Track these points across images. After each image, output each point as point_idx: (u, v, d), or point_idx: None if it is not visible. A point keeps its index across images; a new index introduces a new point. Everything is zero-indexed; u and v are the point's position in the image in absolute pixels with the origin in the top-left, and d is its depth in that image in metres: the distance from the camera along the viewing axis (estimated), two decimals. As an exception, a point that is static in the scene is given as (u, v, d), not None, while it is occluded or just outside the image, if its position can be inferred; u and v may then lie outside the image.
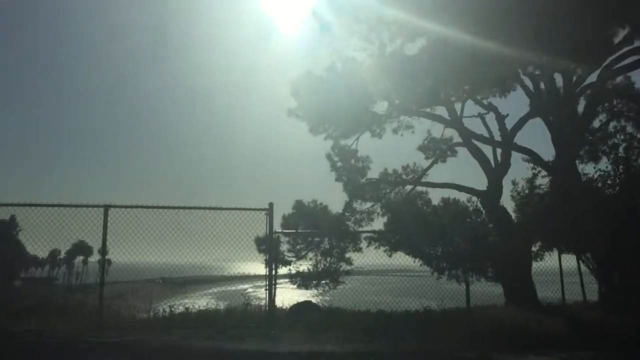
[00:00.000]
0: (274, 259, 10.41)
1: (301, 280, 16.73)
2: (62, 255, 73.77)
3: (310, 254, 17.03)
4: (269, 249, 10.85)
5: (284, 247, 17.35)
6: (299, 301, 12.90)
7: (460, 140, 16.55)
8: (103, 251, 9.21)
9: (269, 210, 10.08)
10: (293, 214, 16.49)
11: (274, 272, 10.47)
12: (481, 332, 10.05)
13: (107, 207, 9.39)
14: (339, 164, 16.81)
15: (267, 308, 10.01)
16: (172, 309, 10.34)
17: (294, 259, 17.10)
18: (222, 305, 12.57)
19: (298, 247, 16.91)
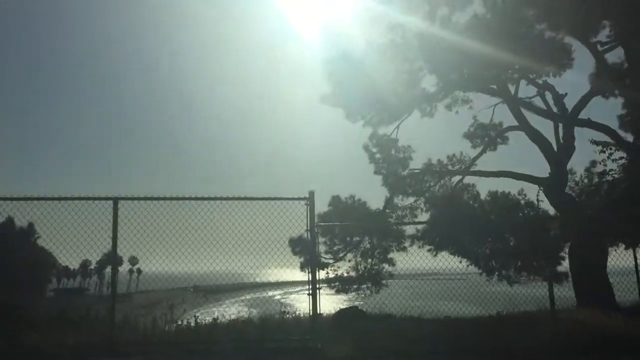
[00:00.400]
0: (315, 259, 8.56)
1: (340, 284, 14.93)
2: (93, 265, 73.10)
3: (349, 256, 15.25)
4: (311, 246, 8.97)
5: (321, 248, 15.57)
6: (343, 307, 11.05)
7: (511, 124, 14.58)
8: (114, 252, 7.51)
9: (310, 200, 8.26)
10: (329, 211, 14.67)
11: (316, 273, 8.58)
12: (570, 339, 8.14)
13: (116, 200, 7.70)
14: (378, 155, 14.93)
15: (310, 316, 8.13)
16: (198, 320, 8.54)
17: (331, 261, 15.34)
18: (254, 313, 10.80)
19: (336, 248, 15.12)
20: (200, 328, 8.41)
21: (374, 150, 15.00)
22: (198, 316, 8.75)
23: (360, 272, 14.69)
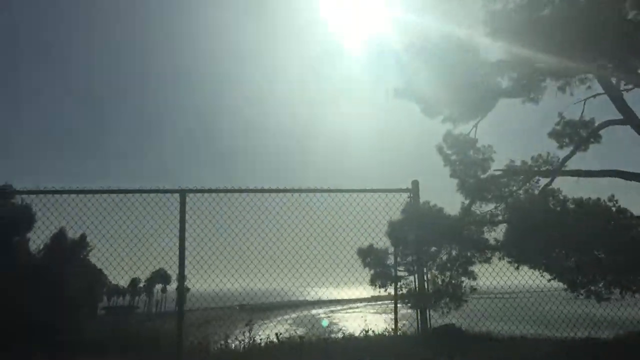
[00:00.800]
0: (422, 263, 6.91)
1: (415, 300, 13.09)
2: (142, 283, 72.77)
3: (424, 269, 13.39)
4: (417, 246, 7.33)
5: (392, 260, 13.81)
6: (440, 325, 9.30)
7: (605, 119, 12.65)
8: (181, 251, 5.99)
9: (413, 191, 6.64)
10: (402, 220, 12.92)
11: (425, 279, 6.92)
12: None
13: (183, 192, 6.24)
14: (454, 157, 13.17)
15: (421, 335, 6.41)
16: (279, 337, 6.94)
17: (405, 274, 13.56)
18: (334, 331, 9.16)
19: (409, 259, 13.34)
20: (283, 345, 6.79)
21: (449, 151, 13.27)
22: (280, 333, 7.13)
23: (438, 287, 12.82)
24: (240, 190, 6.35)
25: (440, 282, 13.19)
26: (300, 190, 6.59)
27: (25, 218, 11.30)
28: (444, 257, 13.32)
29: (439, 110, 12.04)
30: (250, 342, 7.01)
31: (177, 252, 6.24)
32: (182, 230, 6.02)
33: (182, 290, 6.04)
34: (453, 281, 13.25)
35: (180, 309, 6.01)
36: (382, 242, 12.78)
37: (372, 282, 13.44)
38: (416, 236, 13.52)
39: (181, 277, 6.10)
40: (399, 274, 13.90)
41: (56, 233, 12.67)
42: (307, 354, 6.56)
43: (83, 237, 15.41)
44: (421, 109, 12.01)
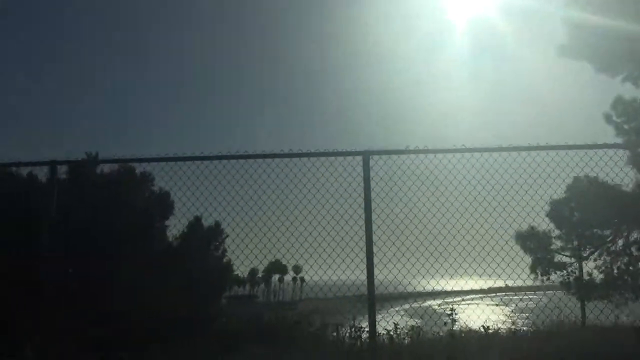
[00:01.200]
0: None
1: (584, 290, 11.18)
2: (260, 274, 74.48)
3: (595, 254, 11.44)
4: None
5: (556, 243, 11.98)
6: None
7: None
8: (368, 221, 4.86)
9: None
10: (567, 198, 11.05)
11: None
12: None
13: (368, 154, 5.11)
14: (626, 126, 11.04)
15: None
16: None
17: (571, 260, 11.73)
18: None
19: (576, 243, 11.47)
20: (487, 336, 5.47)
21: (619, 120, 11.14)
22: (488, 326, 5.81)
23: (614, 275, 10.80)
24: (436, 151, 5.11)
25: (617, 270, 11.19)
26: (500, 150, 5.23)
27: (164, 205, 10.91)
28: (620, 241, 11.30)
29: (616, 69, 10.01)
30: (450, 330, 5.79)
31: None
32: (368, 200, 4.89)
33: (371, 265, 4.91)
34: (631, 268, 11.20)
35: (371, 295, 4.90)
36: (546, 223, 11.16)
37: (533, 269, 11.75)
38: (581, 217, 11.61)
39: (369, 254, 4.97)
40: (564, 259, 12.09)
41: (192, 221, 12.10)
42: (515, 347, 5.21)
43: (217, 224, 15.00)
44: (595, 68, 10.06)
